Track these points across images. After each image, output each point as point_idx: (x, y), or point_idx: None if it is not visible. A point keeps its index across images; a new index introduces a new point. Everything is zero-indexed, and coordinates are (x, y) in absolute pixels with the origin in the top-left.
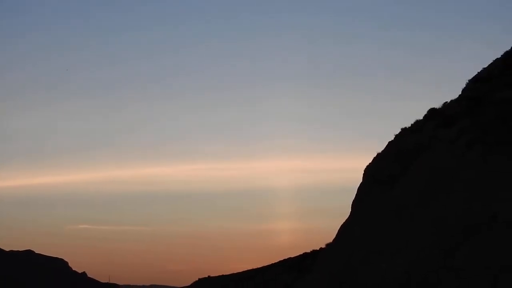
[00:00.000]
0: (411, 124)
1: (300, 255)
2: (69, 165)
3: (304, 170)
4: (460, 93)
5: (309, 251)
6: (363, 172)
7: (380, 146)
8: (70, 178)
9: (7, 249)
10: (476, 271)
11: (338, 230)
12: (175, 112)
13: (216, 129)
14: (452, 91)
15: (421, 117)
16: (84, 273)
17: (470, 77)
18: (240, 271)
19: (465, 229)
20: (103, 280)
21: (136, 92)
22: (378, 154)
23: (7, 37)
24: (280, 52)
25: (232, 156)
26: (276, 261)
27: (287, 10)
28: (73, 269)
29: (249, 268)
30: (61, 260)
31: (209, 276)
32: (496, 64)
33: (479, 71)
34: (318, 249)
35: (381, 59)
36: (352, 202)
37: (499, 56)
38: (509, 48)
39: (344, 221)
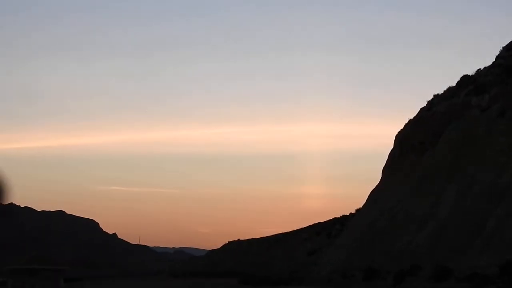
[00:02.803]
0: (444, 91)
1: (329, 220)
2: (101, 127)
3: (335, 135)
4: (493, 60)
5: (339, 216)
6: (394, 138)
7: (412, 112)
8: (102, 139)
9: (39, 209)
10: (502, 242)
11: (368, 196)
12: (206, 77)
13: (247, 93)
14: (485, 58)
15: (454, 84)
16: (114, 234)
17: (504, 44)
18: (270, 234)
19: (495, 197)
20: (133, 241)
21: (168, 56)
22: (410, 120)
23: None
24: (313, 17)
25: (263, 120)
26: (305, 226)
27: None
28: (104, 230)
29: (278, 232)
30: (92, 221)
31: (238, 239)
32: None
33: None
34: (347, 214)
35: (416, 26)
36: (383, 168)
37: None
38: None
39: (374, 187)
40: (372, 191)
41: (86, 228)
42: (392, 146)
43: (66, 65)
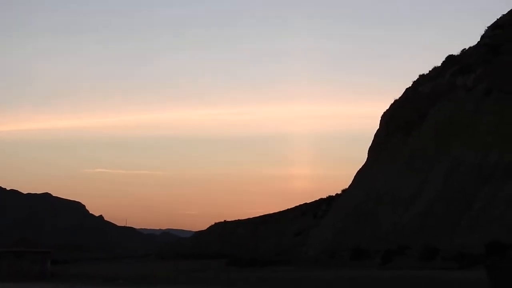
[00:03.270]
0: (429, 71)
1: (315, 200)
2: (87, 110)
3: (321, 116)
4: (478, 40)
5: (325, 197)
6: (380, 118)
7: (397, 92)
8: (87, 122)
9: (24, 191)
10: (490, 220)
11: (354, 177)
12: (189, 57)
13: (232, 74)
14: (470, 38)
15: (439, 64)
16: (101, 216)
17: (489, 23)
18: (256, 215)
19: (482, 176)
20: (120, 223)
21: (154, 41)
22: (396, 101)
23: None
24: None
25: (247, 101)
26: (291, 207)
27: None
28: (90, 212)
29: (265, 213)
30: (78, 203)
31: (225, 221)
32: None
33: (498, 17)
34: (333, 195)
35: (400, 5)
36: (369, 149)
37: None
38: None
39: (360, 167)
40: (358, 171)
41: (73, 210)
42: (378, 127)
43: (53, 49)
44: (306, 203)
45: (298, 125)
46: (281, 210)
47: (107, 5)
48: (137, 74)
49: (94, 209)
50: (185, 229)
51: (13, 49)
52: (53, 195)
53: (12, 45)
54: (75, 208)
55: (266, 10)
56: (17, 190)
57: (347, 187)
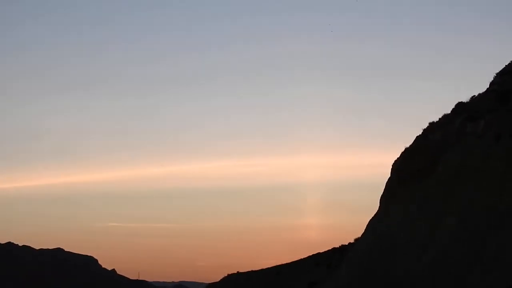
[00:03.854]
0: (439, 118)
1: (328, 250)
2: (96, 164)
3: (332, 165)
4: (488, 86)
5: (338, 246)
6: (391, 167)
7: (408, 141)
8: (97, 176)
9: (37, 247)
10: (503, 267)
11: (367, 225)
12: (202, 113)
13: (244, 126)
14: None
15: (449, 111)
16: (113, 270)
17: (498, 70)
18: (269, 266)
19: (495, 222)
20: (132, 277)
21: (164, 92)
22: (406, 149)
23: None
24: (308, 48)
25: (259, 152)
26: (305, 256)
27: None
28: (103, 266)
29: (278, 264)
30: (91, 257)
31: (238, 272)
32: None
33: (507, 64)
34: (346, 244)
35: (410, 56)
36: (381, 197)
37: None
38: None
39: (372, 216)
40: (370, 220)
41: (85, 264)
42: (389, 175)
43: (62, 106)
44: (319, 253)
45: (309, 174)
46: (295, 260)
47: (116, 60)
48: (148, 127)
49: (106, 263)
50: (198, 281)
51: (24, 106)
52: (66, 250)
53: (23, 102)
54: (88, 263)
55: (277, 61)
56: (29, 246)
57: (359, 235)
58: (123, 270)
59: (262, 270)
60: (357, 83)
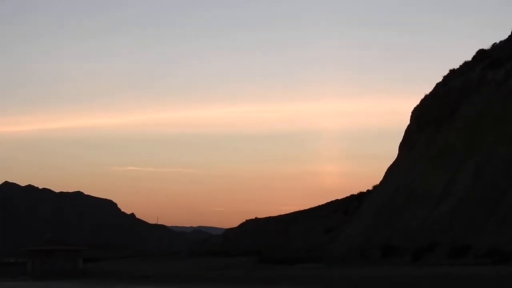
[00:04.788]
0: (459, 66)
1: (346, 197)
2: (117, 108)
3: (351, 112)
4: (509, 33)
5: (356, 194)
6: (410, 114)
7: (427, 88)
8: (117, 120)
9: (57, 190)
10: None
11: (385, 173)
12: (220, 54)
13: (262, 71)
14: (501, 32)
15: (469, 59)
16: (132, 214)
17: None
18: (287, 212)
19: None
20: (151, 221)
21: (182, 31)
22: (426, 96)
23: None
24: None
25: (277, 98)
26: (323, 203)
27: None
28: (122, 210)
29: (295, 210)
30: (110, 201)
31: (256, 218)
32: None
33: None
34: (364, 191)
35: (429, 0)
36: (399, 145)
37: None
38: None
39: (391, 163)
40: (388, 167)
41: (104, 208)
42: (408, 122)
43: (85, 52)
44: (337, 200)
45: (329, 121)
46: (312, 207)
47: (139, 10)
48: (167, 74)
49: (125, 207)
50: (216, 226)
51: (48, 51)
52: (85, 193)
53: (48, 48)
54: (107, 206)
55: (295, 14)
56: (49, 189)
57: (378, 183)
58: (141, 215)
59: (279, 216)
60: (377, 28)
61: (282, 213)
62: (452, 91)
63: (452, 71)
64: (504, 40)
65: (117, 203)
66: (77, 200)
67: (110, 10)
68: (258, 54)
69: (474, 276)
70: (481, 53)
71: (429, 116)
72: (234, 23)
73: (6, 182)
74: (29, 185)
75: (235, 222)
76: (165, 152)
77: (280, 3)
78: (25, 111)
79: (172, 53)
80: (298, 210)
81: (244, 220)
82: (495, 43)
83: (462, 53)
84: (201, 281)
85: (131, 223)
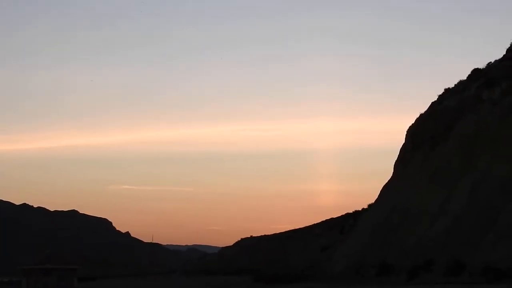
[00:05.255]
0: (455, 85)
1: (342, 215)
2: (113, 127)
3: (347, 131)
4: (504, 53)
5: (351, 212)
6: (406, 132)
7: (423, 106)
8: (113, 139)
9: (51, 209)
10: None
11: (381, 191)
12: (216, 73)
13: (258, 90)
14: (496, 51)
15: (464, 78)
16: (127, 233)
17: None
18: (282, 231)
19: (508, 190)
20: (146, 240)
21: (179, 50)
22: (421, 115)
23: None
24: (324, 13)
25: (273, 117)
26: (318, 221)
27: None
28: (117, 229)
29: (291, 228)
30: (105, 220)
31: (251, 236)
32: None
33: None
34: (360, 209)
35: (427, 20)
36: (395, 163)
37: None
38: None
39: (386, 182)
40: (384, 186)
41: (99, 227)
42: (403, 141)
43: (80, 68)
44: (332, 218)
45: (324, 140)
46: (308, 225)
47: (140, 27)
48: (163, 93)
49: (120, 226)
50: (211, 244)
51: (42, 68)
52: (80, 212)
53: (41, 64)
54: (102, 225)
55: (293, 32)
56: (44, 208)
57: (373, 201)
58: (137, 233)
59: (275, 234)
60: (373, 47)
61: (278, 232)
62: (447, 110)
63: (447, 90)
64: (499, 59)
65: (112, 222)
66: (72, 219)
67: (108, 27)
68: (256, 77)
69: None
70: (476, 72)
71: (425, 135)
72: (227, 41)
73: (1, 200)
74: (24, 203)
75: (230, 241)
76: (160, 170)
77: (275, 21)
78: (20, 130)
79: (168, 72)
80: (293, 228)
81: (240, 239)
82: (490, 62)
83: (458, 72)
84: None
85: (126, 242)
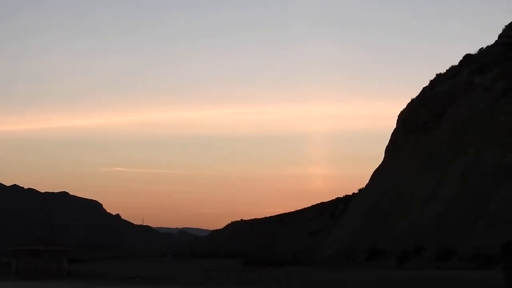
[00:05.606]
0: (446, 70)
1: (332, 200)
2: (104, 108)
3: (338, 116)
4: (496, 39)
5: (342, 196)
6: (397, 118)
7: (414, 92)
8: (104, 120)
9: (42, 190)
10: (510, 219)
11: (371, 176)
12: (210, 55)
13: (251, 73)
14: (488, 37)
15: (456, 63)
16: (118, 215)
17: (507, 22)
18: (273, 215)
19: (499, 177)
20: (136, 222)
21: (172, 32)
22: (413, 100)
23: None
24: None
25: (265, 100)
26: (309, 206)
27: None
28: (107, 211)
29: (282, 212)
30: (95, 202)
31: (242, 220)
32: None
33: None
34: (350, 194)
35: (418, 5)
36: (386, 148)
37: None
38: None
39: (377, 167)
40: (375, 171)
41: (90, 209)
42: (395, 126)
43: (74, 50)
44: (323, 202)
45: (316, 124)
46: (298, 209)
47: (133, 10)
48: (156, 75)
49: (111, 208)
50: (202, 228)
51: (36, 50)
52: (70, 194)
53: (36, 47)
54: (92, 207)
55: (285, 15)
56: (34, 189)
57: (364, 186)
58: (127, 216)
59: (266, 218)
60: (364, 31)
61: (268, 215)
62: (439, 96)
63: (439, 76)
64: (491, 45)
65: (102, 204)
66: (62, 200)
67: (99, 10)
68: (247, 56)
69: (458, 280)
70: (468, 57)
71: (416, 120)
72: (223, 25)
73: None
74: (14, 184)
75: (221, 224)
76: (152, 153)
77: (269, 5)
78: (11, 111)
79: (161, 54)
80: (284, 212)
81: (230, 222)
82: (482, 48)
83: (449, 58)
84: (186, 282)
85: (117, 224)
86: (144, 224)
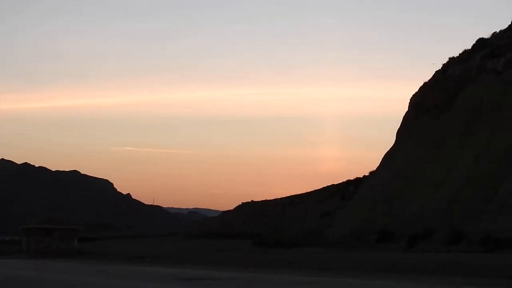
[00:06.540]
0: (459, 54)
1: (343, 182)
2: (116, 87)
3: (349, 98)
4: (509, 23)
5: (353, 179)
6: (409, 101)
7: (427, 75)
8: (116, 100)
9: (53, 169)
10: None
11: (382, 159)
12: (222, 35)
13: (262, 56)
14: (501, 21)
15: (469, 47)
16: (128, 195)
17: None
18: (283, 196)
19: (510, 161)
20: (147, 202)
21: (182, 18)
22: (425, 83)
23: None
24: None
25: (276, 82)
26: (319, 188)
27: None
28: (118, 190)
29: (292, 194)
30: (106, 181)
31: (252, 201)
32: None
33: None
34: (361, 176)
35: None
36: (397, 131)
37: None
38: None
39: (388, 150)
40: (386, 153)
41: (101, 188)
42: (406, 109)
43: (84, 29)
44: (333, 185)
45: (327, 106)
46: (309, 191)
47: None
48: (167, 54)
49: (122, 187)
50: (212, 208)
51: (55, 31)
52: (81, 172)
53: (53, 28)
54: (103, 186)
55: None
56: (45, 167)
57: (375, 169)
58: (138, 195)
59: (276, 199)
60: (378, 14)
61: (279, 197)
62: (451, 79)
63: (451, 59)
64: (504, 29)
65: (113, 183)
66: (73, 179)
67: None
68: (260, 39)
69: (467, 263)
70: (481, 42)
71: (428, 104)
72: (229, 5)
73: (2, 159)
74: (25, 163)
75: (231, 205)
76: (164, 133)
77: None
78: (24, 89)
79: (170, 34)
80: (294, 194)
81: (240, 203)
82: (495, 32)
83: (462, 42)
84: (196, 263)
85: (127, 204)
86: (155, 204)
